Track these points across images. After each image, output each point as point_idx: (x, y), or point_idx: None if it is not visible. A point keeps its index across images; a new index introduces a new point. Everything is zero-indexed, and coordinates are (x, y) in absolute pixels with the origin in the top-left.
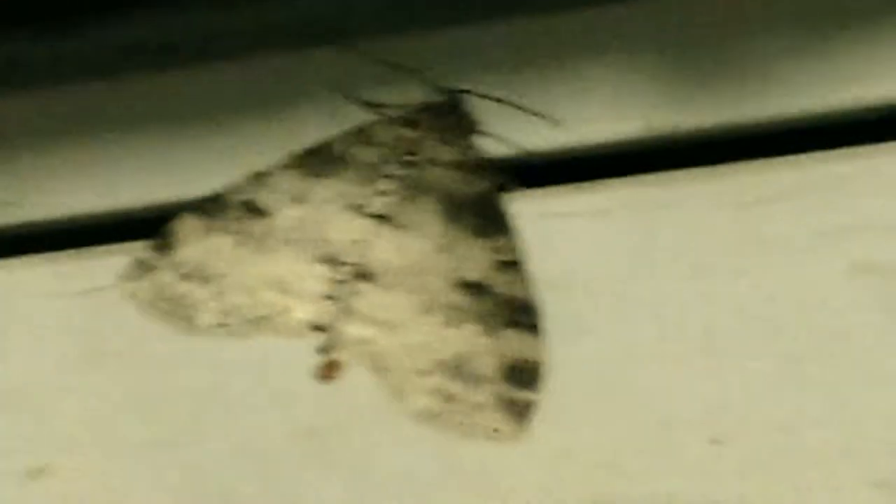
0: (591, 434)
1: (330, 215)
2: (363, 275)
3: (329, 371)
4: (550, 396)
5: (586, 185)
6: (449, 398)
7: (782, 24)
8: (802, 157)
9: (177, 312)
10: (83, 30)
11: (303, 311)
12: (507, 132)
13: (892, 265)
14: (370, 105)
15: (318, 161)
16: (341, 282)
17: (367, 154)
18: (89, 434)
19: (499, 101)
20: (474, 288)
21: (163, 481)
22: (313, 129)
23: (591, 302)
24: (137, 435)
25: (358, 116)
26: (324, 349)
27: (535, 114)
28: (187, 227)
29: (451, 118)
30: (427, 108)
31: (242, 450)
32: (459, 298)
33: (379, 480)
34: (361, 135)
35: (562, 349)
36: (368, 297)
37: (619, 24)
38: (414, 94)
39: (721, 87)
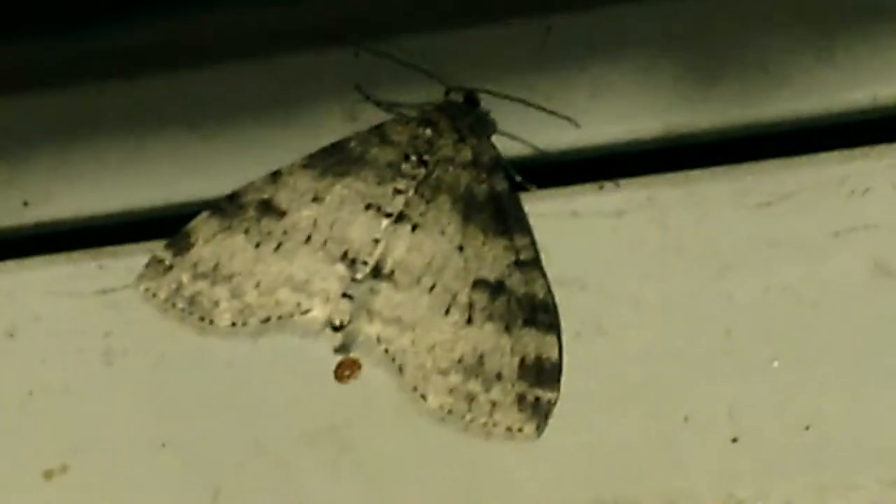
0: (609, 433)
1: (348, 215)
2: (381, 274)
3: (346, 370)
4: (568, 395)
5: (604, 184)
6: (467, 397)
7: (799, 24)
8: (821, 156)
9: (194, 312)
10: (100, 31)
11: (320, 311)
12: (525, 132)
13: None
14: (387, 105)
15: (335, 161)
16: (359, 281)
17: (384, 154)
18: (105, 434)
19: (516, 100)
20: (492, 287)
21: (179, 481)
22: (330, 128)
23: (609, 301)
24: (153, 435)
25: (375, 116)
26: (341, 348)
27: (553, 113)
28: (204, 226)
29: (469, 118)
30: (444, 108)
31: (258, 450)
32: (478, 297)
33: (396, 480)
34: (379, 134)
35: (580, 348)
36: (386, 297)
37: (636, 24)
38: (431, 95)
39: (738, 86)
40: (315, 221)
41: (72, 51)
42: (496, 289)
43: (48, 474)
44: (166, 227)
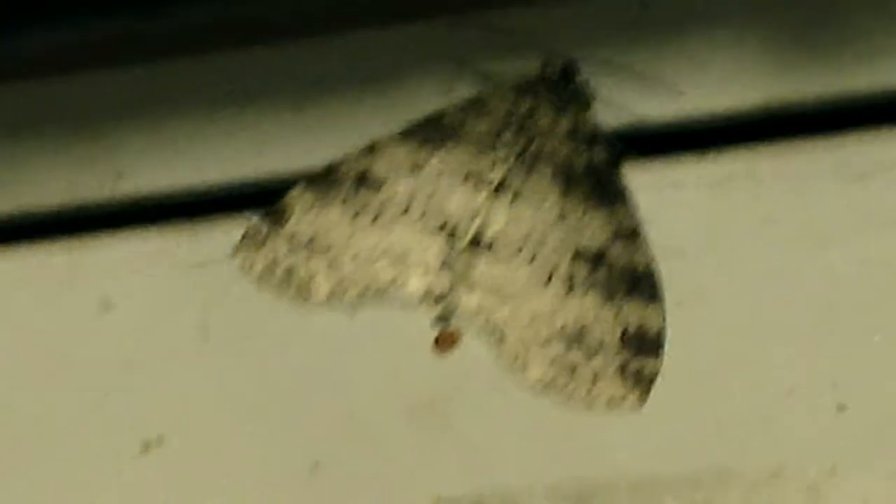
0: (712, 404)
1: (445, 186)
2: (480, 245)
3: (445, 342)
4: (671, 366)
5: (704, 154)
6: (569, 368)
7: None
8: None
9: (290, 284)
10: (197, 4)
11: (419, 282)
12: (624, 101)
13: None
14: (485, 75)
15: (432, 132)
16: (458, 252)
17: (482, 124)
18: (202, 407)
19: (616, 70)
20: (593, 257)
21: (277, 455)
22: (428, 100)
23: (710, 271)
24: (251, 408)
25: (473, 87)
26: (440, 320)
27: (653, 83)
28: (301, 198)
29: (568, 88)
30: (543, 78)
31: (357, 423)
32: (578, 268)
33: (496, 453)
34: (476, 105)
35: (682, 318)
36: (486, 268)
37: None
38: (529, 64)
39: (838, 55)
40: (413, 193)
41: (167, 23)
42: (597, 259)
43: (145, 447)
44: (263, 199)
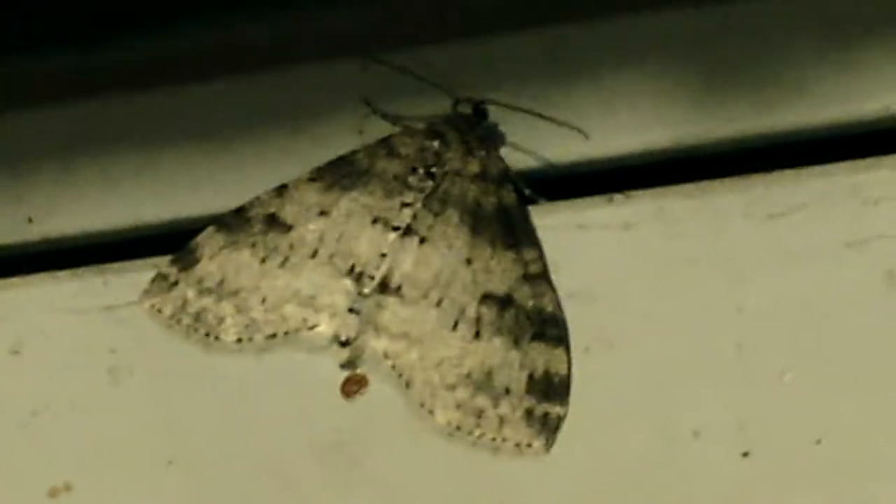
0: (619, 448)
1: (354, 228)
2: (388, 288)
3: (353, 386)
4: (578, 410)
5: (613, 196)
6: (475, 412)
7: (811, 34)
8: (832, 166)
9: (199, 328)
10: (107, 44)
11: (327, 325)
12: (533, 144)
13: None
14: (395, 117)
15: (342, 174)
16: (366, 295)
17: (391, 166)
18: (111, 452)
19: (525, 112)
20: (501, 301)
21: (185, 499)
22: (337, 141)
23: (618, 314)
24: (160, 452)
25: (383, 129)
26: (348, 364)
27: (562, 125)
28: (210, 241)
29: (477, 130)
30: (452, 120)
31: (266, 466)
32: (486, 311)
33: (404, 497)
34: (386, 147)
35: (589, 362)
36: (393, 311)
37: (648, 34)
38: (439, 107)
39: (749, 97)
40: (321, 235)
41: (77, 65)
42: (504, 303)
43: (53, 493)
44: (172, 242)
